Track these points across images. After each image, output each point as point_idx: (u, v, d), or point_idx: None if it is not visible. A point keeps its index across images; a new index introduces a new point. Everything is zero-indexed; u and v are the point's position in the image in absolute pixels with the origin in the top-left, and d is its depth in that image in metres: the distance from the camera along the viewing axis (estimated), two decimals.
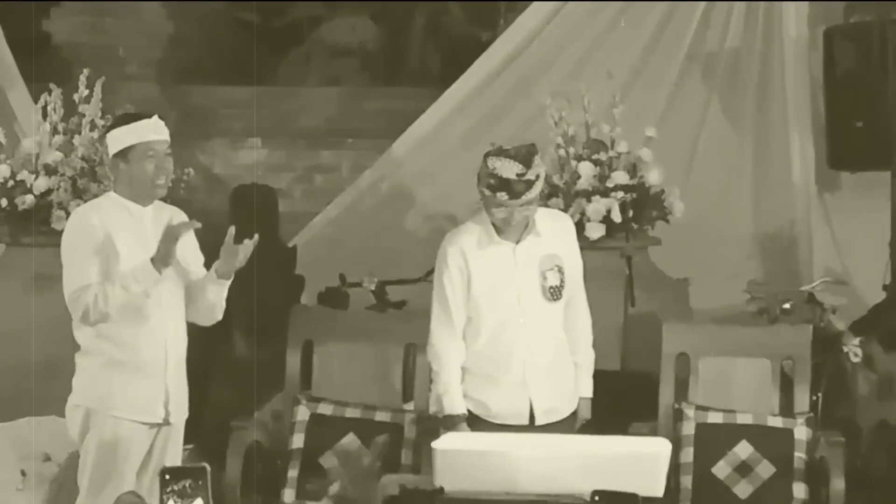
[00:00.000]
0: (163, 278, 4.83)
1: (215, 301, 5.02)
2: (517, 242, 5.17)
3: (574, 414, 5.30)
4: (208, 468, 3.67)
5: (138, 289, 4.81)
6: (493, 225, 5.15)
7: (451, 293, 5.18)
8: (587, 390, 5.33)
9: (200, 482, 3.65)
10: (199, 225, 4.88)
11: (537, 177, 5.04)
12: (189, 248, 5.03)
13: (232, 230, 4.89)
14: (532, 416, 5.20)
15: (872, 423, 6.44)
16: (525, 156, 5.05)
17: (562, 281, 5.18)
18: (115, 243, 4.86)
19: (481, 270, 5.17)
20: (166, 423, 4.97)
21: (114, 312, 4.80)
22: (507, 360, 5.18)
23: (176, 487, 3.64)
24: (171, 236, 4.81)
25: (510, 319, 5.17)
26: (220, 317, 5.10)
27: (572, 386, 5.30)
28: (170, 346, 4.97)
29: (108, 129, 5.09)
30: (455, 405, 5.18)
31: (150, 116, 4.97)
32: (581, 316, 5.33)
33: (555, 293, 5.18)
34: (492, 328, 5.18)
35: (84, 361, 4.94)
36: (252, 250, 4.91)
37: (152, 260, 4.80)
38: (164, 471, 3.65)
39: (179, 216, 5.04)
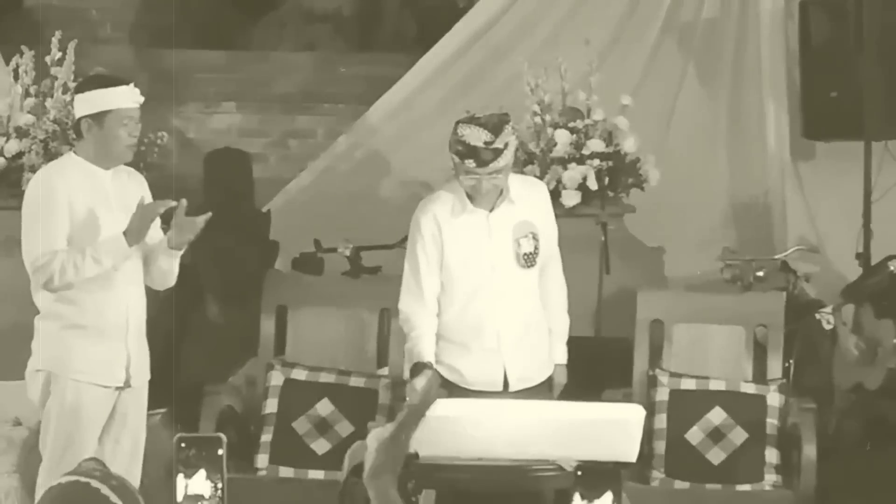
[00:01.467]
0: (132, 252, 4.81)
1: (167, 269, 5.00)
2: (491, 210, 5.16)
3: (548, 380, 5.30)
4: (223, 438, 3.65)
5: (109, 263, 4.79)
6: (467, 193, 5.14)
7: (423, 262, 5.17)
8: (561, 356, 5.33)
9: (205, 453, 3.62)
10: (174, 204, 4.85)
11: (506, 146, 5.02)
12: None
13: (183, 202, 4.86)
14: (506, 383, 5.19)
15: (848, 386, 6.45)
16: (496, 124, 5.04)
17: (536, 248, 5.18)
18: (77, 207, 4.83)
19: (455, 238, 5.16)
20: (127, 385, 4.95)
21: (80, 282, 4.79)
22: (480, 327, 5.17)
23: (182, 456, 3.61)
24: (147, 215, 4.79)
25: (483, 287, 5.17)
26: (172, 283, 5.09)
27: (546, 353, 5.30)
28: (131, 310, 4.94)
29: (79, 88, 5.05)
30: (422, 354, 5.15)
31: (125, 81, 4.94)
32: (556, 283, 5.32)
33: (528, 260, 5.17)
34: (465, 296, 5.18)
35: (44, 325, 4.91)
36: (203, 224, 4.87)
37: (125, 234, 4.77)
38: (179, 438, 3.64)
39: (137, 177, 5.04)
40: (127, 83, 4.93)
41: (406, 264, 5.24)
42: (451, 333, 5.21)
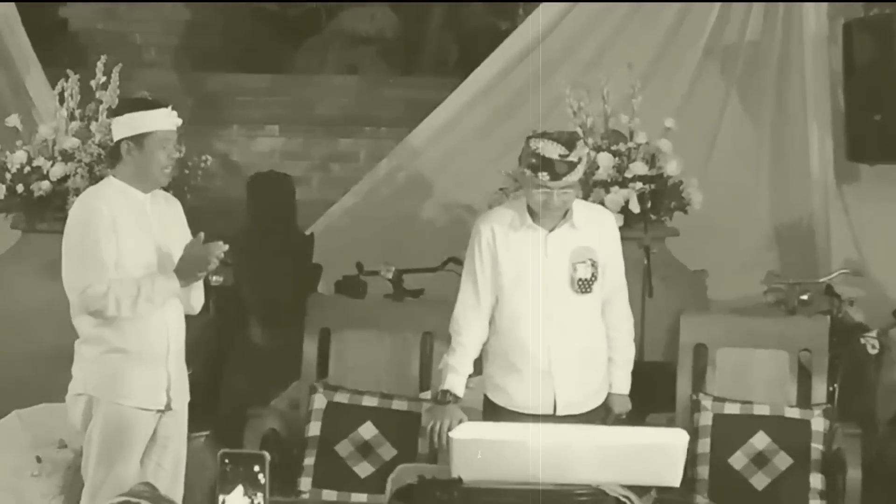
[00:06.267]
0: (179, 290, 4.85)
1: (184, 300, 5.01)
2: (550, 230, 5.16)
3: (601, 408, 5.27)
4: (267, 456, 3.66)
5: (160, 301, 4.85)
6: (529, 210, 5.13)
7: (479, 270, 5.18)
8: (622, 386, 5.30)
9: (241, 469, 3.64)
10: (226, 248, 4.86)
11: (579, 160, 5.05)
12: (182, 240, 5.01)
13: (201, 236, 4.86)
14: (555, 407, 5.17)
15: (891, 415, 6.41)
16: (568, 139, 5.08)
17: (593, 275, 5.14)
18: (119, 230, 4.85)
19: (509, 252, 5.16)
20: (168, 408, 4.97)
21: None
22: (531, 347, 5.15)
23: (227, 471, 3.63)
24: (201, 259, 4.81)
25: (537, 307, 5.15)
26: (195, 312, 5.08)
27: (601, 381, 5.26)
28: (171, 333, 4.97)
29: (118, 111, 5.08)
30: (455, 385, 5.18)
31: (163, 104, 4.97)
32: (622, 313, 5.29)
33: (584, 286, 5.15)
34: (517, 314, 5.16)
35: (85, 350, 4.93)
36: (221, 255, 4.87)
37: (176, 273, 4.81)
38: (222, 454, 3.66)
39: (174, 202, 5.07)
40: (165, 106, 4.96)
41: (464, 273, 5.26)
42: (502, 352, 5.20)
